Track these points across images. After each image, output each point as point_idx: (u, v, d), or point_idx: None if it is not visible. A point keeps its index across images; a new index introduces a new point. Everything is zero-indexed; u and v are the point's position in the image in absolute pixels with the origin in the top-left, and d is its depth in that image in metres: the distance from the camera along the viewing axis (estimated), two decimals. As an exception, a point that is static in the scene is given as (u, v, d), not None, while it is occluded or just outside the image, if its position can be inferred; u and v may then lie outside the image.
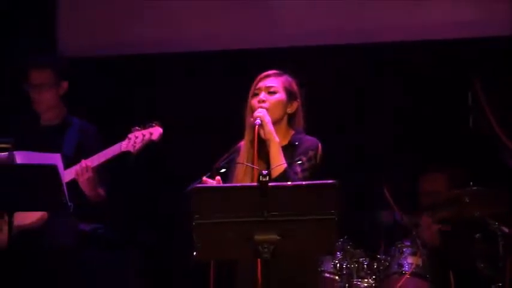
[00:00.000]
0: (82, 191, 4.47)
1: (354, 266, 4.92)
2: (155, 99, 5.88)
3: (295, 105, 3.90)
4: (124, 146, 4.39)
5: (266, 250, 3.14)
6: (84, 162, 4.44)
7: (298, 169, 3.74)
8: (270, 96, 3.84)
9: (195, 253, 3.19)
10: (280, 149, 3.75)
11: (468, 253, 4.87)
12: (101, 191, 4.60)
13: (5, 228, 4.11)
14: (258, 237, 3.15)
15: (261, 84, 3.87)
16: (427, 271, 4.86)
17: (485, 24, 5.49)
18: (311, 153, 3.79)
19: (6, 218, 4.10)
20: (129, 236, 5.48)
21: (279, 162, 3.70)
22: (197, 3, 5.91)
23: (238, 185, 3.65)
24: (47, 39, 6.00)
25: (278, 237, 3.15)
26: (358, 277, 4.92)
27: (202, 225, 3.15)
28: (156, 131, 4.37)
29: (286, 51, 5.69)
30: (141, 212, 5.85)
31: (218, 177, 3.70)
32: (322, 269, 4.88)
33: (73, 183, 4.42)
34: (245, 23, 5.86)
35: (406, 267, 4.84)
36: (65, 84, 4.78)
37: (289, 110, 3.88)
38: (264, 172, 3.15)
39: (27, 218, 4.37)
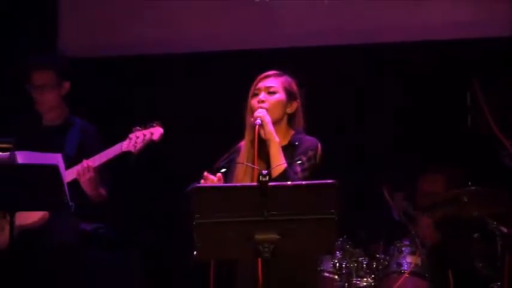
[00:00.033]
0: (83, 191, 4.48)
1: (353, 265, 4.93)
2: (155, 99, 5.88)
3: (295, 105, 3.91)
4: (125, 146, 4.40)
5: (266, 249, 3.15)
6: (85, 162, 4.45)
7: (298, 169, 3.75)
8: (269, 97, 3.85)
9: (195, 253, 3.21)
10: (280, 149, 3.76)
11: (467, 252, 4.89)
12: (102, 191, 4.61)
13: (7, 228, 4.13)
14: (258, 236, 3.16)
15: (261, 85, 3.89)
16: (426, 270, 4.87)
17: (485, 24, 5.49)
18: (311, 153, 3.80)
19: (8, 217, 4.11)
20: (130, 235, 5.50)
21: (279, 162, 3.71)
22: (197, 3, 5.91)
23: (238, 184, 3.66)
24: (47, 39, 6.00)
25: (278, 237, 3.16)
26: (358, 276, 4.93)
27: (203, 225, 3.16)
28: (156, 131, 4.38)
29: (286, 51, 5.70)
30: (142, 212, 5.86)
31: (219, 174, 3.71)
32: (322, 268, 4.90)
33: (74, 183, 4.43)
34: (245, 23, 5.87)
35: (405, 267, 4.86)
36: (66, 85, 4.80)
37: (289, 110, 3.90)
38: (264, 172, 3.16)
39: (29, 217, 4.38)
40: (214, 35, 5.86)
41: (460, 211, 4.64)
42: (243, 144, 3.88)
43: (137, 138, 4.37)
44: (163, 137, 4.39)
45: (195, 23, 5.90)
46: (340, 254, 4.95)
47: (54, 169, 4.03)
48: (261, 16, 5.84)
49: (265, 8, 5.82)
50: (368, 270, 4.94)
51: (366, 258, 4.97)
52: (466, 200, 4.58)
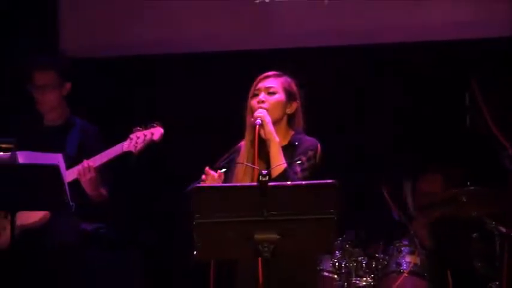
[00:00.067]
0: (84, 191, 4.49)
1: (353, 265, 4.94)
2: (155, 99, 5.88)
3: (295, 105, 3.92)
4: (126, 146, 4.41)
5: (266, 249, 3.16)
6: (86, 162, 4.45)
7: (298, 169, 3.76)
8: (269, 97, 3.86)
9: (195, 253, 3.22)
10: (280, 149, 3.77)
11: (466, 252, 4.89)
12: (103, 191, 4.62)
13: (8, 227, 4.14)
14: (258, 236, 3.16)
15: (261, 85, 3.90)
16: (425, 270, 4.88)
17: (485, 24, 5.49)
18: (310, 153, 3.81)
19: (9, 217, 4.12)
20: (131, 235, 5.50)
21: (278, 162, 3.72)
22: (197, 4, 5.91)
23: (238, 184, 3.66)
24: (47, 40, 6.00)
25: (278, 237, 3.17)
26: (357, 276, 4.94)
27: (203, 225, 3.17)
28: (157, 131, 4.39)
29: (286, 51, 5.70)
30: (142, 212, 5.87)
31: (220, 171, 3.72)
32: (321, 267, 4.91)
33: (75, 183, 4.43)
34: (245, 23, 5.87)
35: (405, 266, 4.86)
36: (68, 85, 4.81)
37: (289, 111, 3.91)
38: (264, 172, 3.17)
39: (30, 217, 4.39)
40: (214, 35, 5.86)
41: (459, 211, 4.65)
42: (243, 144, 3.89)
43: (138, 139, 4.38)
44: (164, 137, 4.40)
45: (195, 23, 5.90)
46: (340, 254, 4.96)
47: (54, 169, 4.04)
48: (261, 16, 5.84)
49: (265, 8, 5.81)
50: (367, 270, 4.95)
51: (366, 257, 4.98)
52: (464, 200, 4.59)
